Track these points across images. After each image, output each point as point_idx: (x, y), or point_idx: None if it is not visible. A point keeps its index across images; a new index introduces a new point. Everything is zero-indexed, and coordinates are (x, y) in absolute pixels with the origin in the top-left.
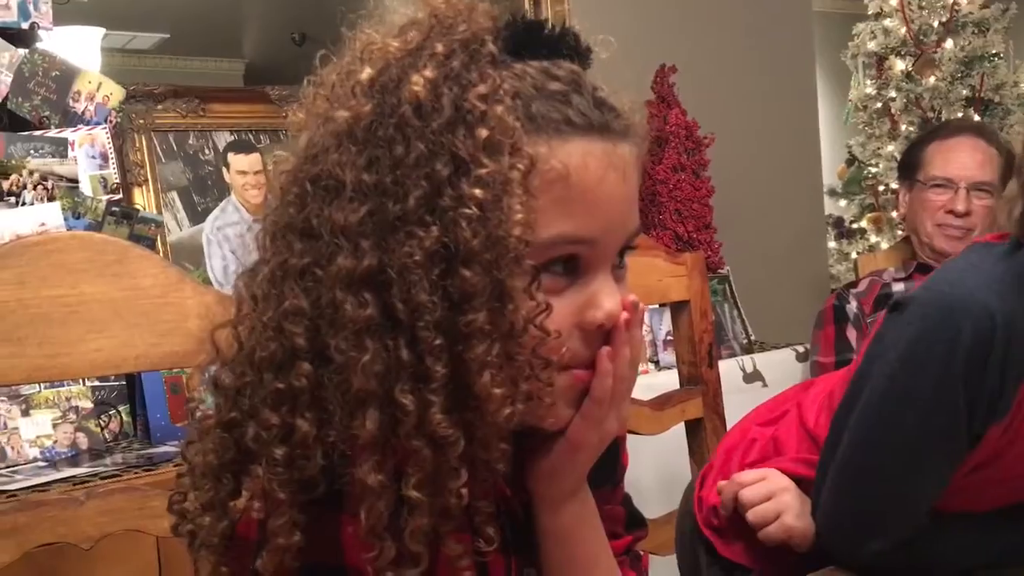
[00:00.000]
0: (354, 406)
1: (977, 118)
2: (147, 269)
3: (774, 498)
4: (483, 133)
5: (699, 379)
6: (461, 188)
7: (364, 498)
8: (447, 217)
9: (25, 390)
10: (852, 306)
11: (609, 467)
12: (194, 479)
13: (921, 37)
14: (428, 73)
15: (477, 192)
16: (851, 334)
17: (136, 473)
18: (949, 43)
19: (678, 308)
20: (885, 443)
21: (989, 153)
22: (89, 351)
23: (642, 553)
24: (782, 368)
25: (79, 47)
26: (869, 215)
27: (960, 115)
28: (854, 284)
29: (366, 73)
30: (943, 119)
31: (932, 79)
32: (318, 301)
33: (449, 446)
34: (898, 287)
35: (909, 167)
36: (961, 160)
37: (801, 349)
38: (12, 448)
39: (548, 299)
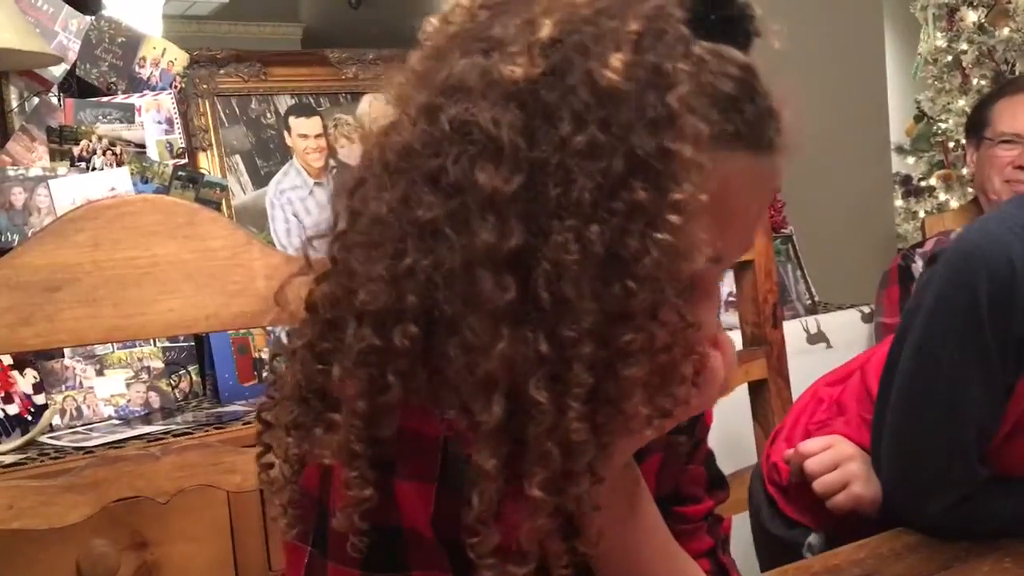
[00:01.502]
0: (479, 388)
1: None
2: (216, 231)
3: (840, 467)
4: (686, 151)
5: (763, 340)
6: (637, 195)
7: (479, 482)
8: (613, 223)
9: (99, 350)
10: (918, 265)
11: (686, 430)
12: (281, 396)
13: None
14: (625, 56)
15: (673, 218)
16: None
17: (206, 431)
18: None
19: (741, 268)
20: (925, 397)
21: None
22: (163, 311)
23: (723, 517)
24: (847, 329)
25: (142, 13)
26: (938, 172)
27: None
28: (920, 244)
29: (546, 31)
30: (1017, 72)
31: (1006, 30)
32: (444, 265)
33: (581, 453)
34: None
35: (976, 125)
36: None
37: (867, 310)
38: (88, 407)
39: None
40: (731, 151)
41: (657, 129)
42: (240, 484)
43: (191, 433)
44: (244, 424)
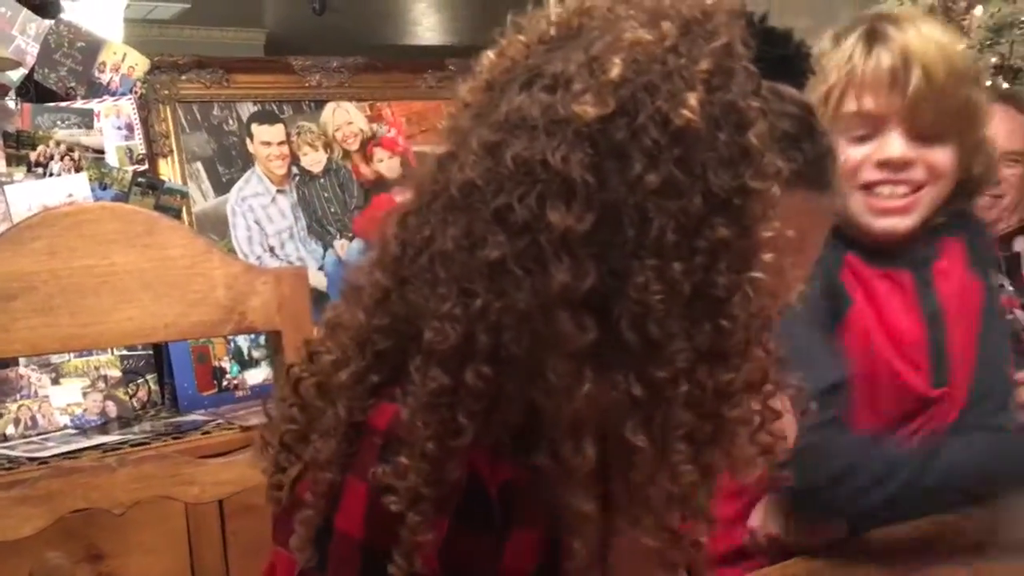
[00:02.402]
0: (568, 431)
1: (1006, 86)
2: (176, 240)
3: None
4: (771, 189)
5: None
6: (718, 232)
7: (579, 527)
8: (697, 261)
9: (55, 359)
10: None
11: None
12: (309, 424)
13: (950, 4)
14: (699, 95)
15: (767, 257)
16: None
17: (164, 441)
18: (979, 10)
19: None
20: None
21: (1018, 121)
22: (120, 320)
23: None
24: None
25: (102, 18)
26: None
27: (989, 83)
28: None
29: (616, 70)
30: None
31: (961, 46)
32: (516, 306)
33: (692, 498)
34: None
35: None
36: (990, 129)
37: None
38: (43, 416)
39: None
40: (791, 190)
41: (736, 167)
42: (198, 496)
43: (148, 443)
44: (203, 434)
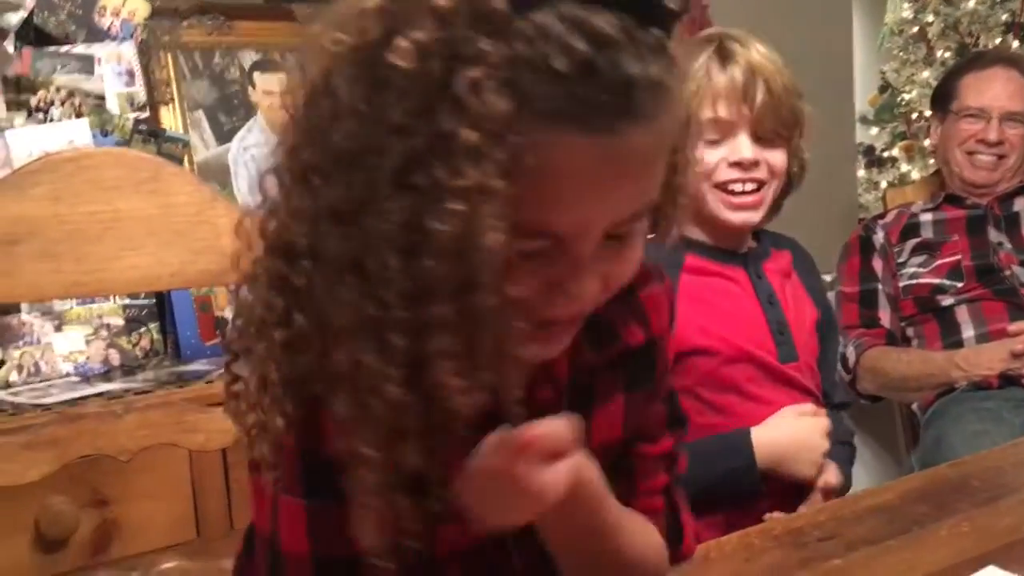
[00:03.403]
0: (330, 337)
1: (1016, 44)
2: (181, 187)
3: None
4: (471, 136)
5: None
6: (434, 174)
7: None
8: (407, 200)
9: (57, 306)
10: (879, 236)
11: (646, 370)
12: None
13: None
14: (419, 35)
15: (456, 205)
16: (877, 264)
17: (168, 389)
18: None
19: None
20: None
21: (1022, 83)
22: (125, 268)
23: (679, 454)
24: None
25: None
26: (901, 143)
27: (999, 40)
28: (882, 215)
29: (372, 1)
30: (981, 45)
31: (971, 2)
32: (303, 212)
33: (402, 415)
34: (926, 217)
35: (942, 98)
36: (994, 90)
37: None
38: (46, 363)
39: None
40: (553, 128)
41: (438, 112)
42: (203, 444)
43: (152, 391)
44: (207, 383)
